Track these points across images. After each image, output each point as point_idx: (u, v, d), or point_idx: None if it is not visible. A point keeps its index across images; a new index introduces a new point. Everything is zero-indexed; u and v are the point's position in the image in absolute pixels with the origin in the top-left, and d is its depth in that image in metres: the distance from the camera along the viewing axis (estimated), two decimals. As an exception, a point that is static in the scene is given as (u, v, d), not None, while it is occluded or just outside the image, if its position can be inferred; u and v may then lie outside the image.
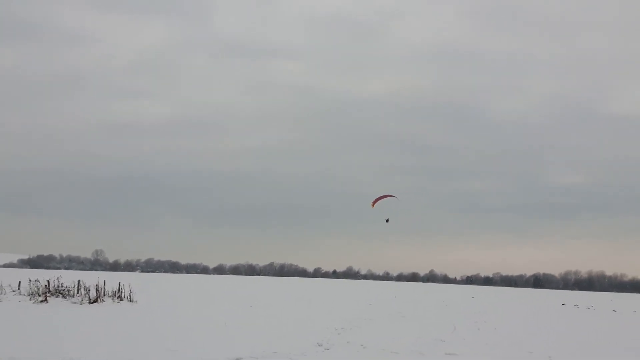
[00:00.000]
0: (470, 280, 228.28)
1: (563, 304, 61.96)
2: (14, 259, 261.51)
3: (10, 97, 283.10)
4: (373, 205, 42.13)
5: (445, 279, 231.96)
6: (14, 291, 39.98)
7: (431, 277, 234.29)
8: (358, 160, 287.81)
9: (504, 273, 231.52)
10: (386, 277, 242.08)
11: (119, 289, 39.53)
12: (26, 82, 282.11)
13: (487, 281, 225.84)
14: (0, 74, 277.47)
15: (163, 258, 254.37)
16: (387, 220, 43.65)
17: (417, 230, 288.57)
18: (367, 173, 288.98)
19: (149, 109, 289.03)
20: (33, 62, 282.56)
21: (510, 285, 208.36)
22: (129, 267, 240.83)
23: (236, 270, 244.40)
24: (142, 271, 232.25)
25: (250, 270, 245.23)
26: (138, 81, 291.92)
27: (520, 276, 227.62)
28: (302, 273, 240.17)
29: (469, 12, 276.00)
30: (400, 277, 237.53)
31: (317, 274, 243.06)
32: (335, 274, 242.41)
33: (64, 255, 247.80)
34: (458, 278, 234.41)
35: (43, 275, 47.06)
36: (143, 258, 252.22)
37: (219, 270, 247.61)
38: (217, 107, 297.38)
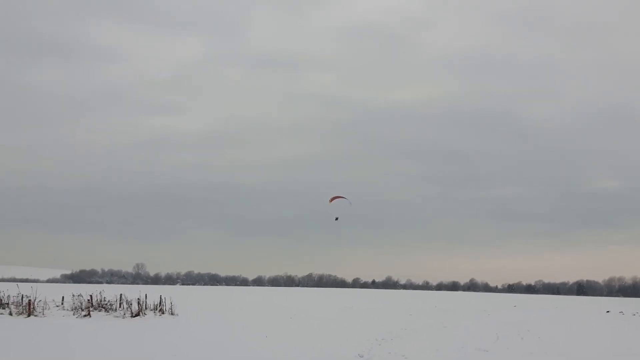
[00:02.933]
0: (512, 289, 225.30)
1: (608, 311, 60.72)
2: (57, 274, 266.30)
3: (49, 114, 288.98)
4: (330, 202, 43.21)
5: (486, 288, 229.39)
6: (57, 306, 40.63)
7: (472, 286, 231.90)
8: (391, 169, 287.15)
9: (546, 280, 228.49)
10: (426, 286, 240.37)
11: (160, 303, 39.91)
12: (65, 99, 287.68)
13: (529, 289, 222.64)
14: (41, 90, 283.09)
15: (203, 271, 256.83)
16: (336, 219, 44.64)
17: (455, 238, 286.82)
18: (400, 182, 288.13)
19: (184, 123, 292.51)
20: (71, 80, 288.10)
21: (553, 293, 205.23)
22: (170, 280, 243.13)
23: (275, 282, 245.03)
24: (183, 284, 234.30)
25: (289, 281, 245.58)
26: (173, 96, 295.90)
27: (563, 283, 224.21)
28: (340, 283, 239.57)
29: (498, 18, 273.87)
30: (440, 287, 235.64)
31: (356, 284, 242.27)
32: (374, 284, 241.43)
33: (106, 269, 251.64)
34: (499, 286, 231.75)
35: (86, 290, 47.79)
36: (183, 271, 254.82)
37: (258, 281, 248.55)
38: (250, 119, 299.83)
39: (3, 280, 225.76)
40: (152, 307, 39.47)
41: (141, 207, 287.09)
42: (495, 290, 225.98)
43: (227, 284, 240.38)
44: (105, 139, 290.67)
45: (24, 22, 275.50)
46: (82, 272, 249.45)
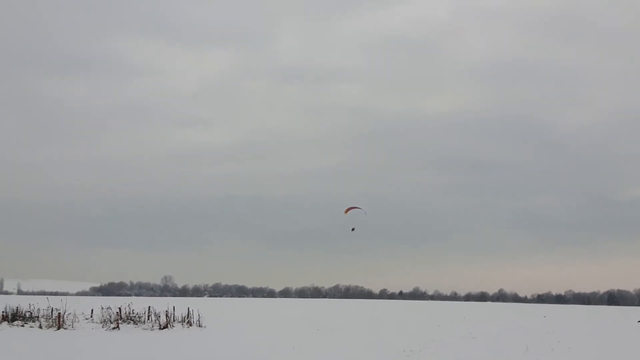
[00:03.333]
0: (541, 299, 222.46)
1: (639, 321, 59.70)
2: (87, 287, 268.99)
3: (78, 128, 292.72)
4: (346, 212, 43.34)
5: (516, 298, 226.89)
6: (86, 319, 40.94)
7: (501, 297, 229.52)
8: (419, 180, 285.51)
9: (577, 290, 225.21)
10: (454, 297, 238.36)
11: (188, 315, 40.05)
12: (93, 114, 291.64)
13: (559, 299, 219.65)
14: (70, 106, 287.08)
15: (230, 282, 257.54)
16: (352, 229, 44.64)
17: (484, 248, 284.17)
18: (428, 192, 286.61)
19: (211, 136, 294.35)
20: (99, 95, 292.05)
21: (584, 303, 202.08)
22: (197, 292, 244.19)
23: (302, 293, 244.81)
24: (210, 296, 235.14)
25: (316, 293, 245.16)
26: (200, 110, 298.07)
27: (594, 293, 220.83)
28: (367, 295, 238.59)
29: (527, 27, 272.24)
30: (468, 297, 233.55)
31: (383, 295, 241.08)
32: (401, 295, 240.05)
33: (134, 282, 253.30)
34: (529, 297, 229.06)
35: (114, 303, 48.07)
36: (210, 283, 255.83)
37: (285, 293, 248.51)
38: (277, 131, 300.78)
39: (33, 293, 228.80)
40: (180, 319, 39.63)
41: (169, 220, 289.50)
42: (524, 300, 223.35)
43: (254, 296, 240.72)
44: (133, 153, 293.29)
45: (53, 39, 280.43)
46: (111, 284, 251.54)
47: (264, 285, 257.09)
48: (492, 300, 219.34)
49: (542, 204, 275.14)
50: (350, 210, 43.73)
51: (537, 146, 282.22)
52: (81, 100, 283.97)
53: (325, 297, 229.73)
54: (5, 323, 36.82)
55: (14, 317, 37.71)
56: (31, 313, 38.32)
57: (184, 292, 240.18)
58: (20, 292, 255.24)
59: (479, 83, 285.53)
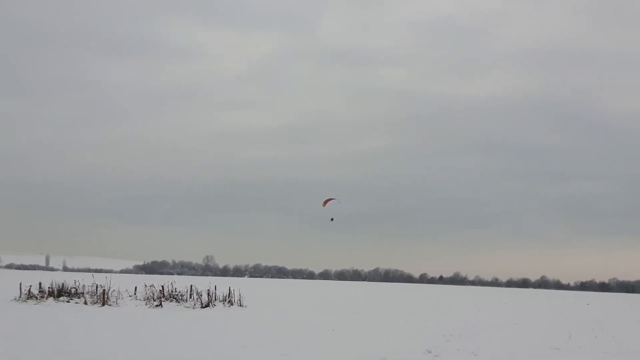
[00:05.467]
0: (584, 286, 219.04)
1: (687, 312, 58.47)
2: (130, 265, 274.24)
3: (125, 110, 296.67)
4: (324, 205, 43.74)
5: (558, 285, 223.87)
6: (130, 296, 41.66)
7: (543, 283, 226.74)
8: (464, 165, 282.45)
9: (621, 278, 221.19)
10: (495, 283, 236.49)
11: (229, 294, 40.47)
12: (140, 96, 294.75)
13: (603, 287, 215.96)
14: (117, 88, 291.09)
15: (270, 263, 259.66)
16: (331, 219, 45.86)
17: (527, 234, 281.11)
18: (474, 177, 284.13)
19: (255, 118, 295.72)
20: (148, 77, 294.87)
21: (628, 291, 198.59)
22: (238, 272, 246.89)
23: (341, 276, 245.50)
24: (250, 276, 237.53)
25: (356, 275, 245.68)
26: (246, 92, 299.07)
27: (639, 281, 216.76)
28: (407, 279, 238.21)
29: (578, 9, 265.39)
30: (510, 283, 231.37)
31: (423, 279, 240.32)
32: (441, 280, 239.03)
33: (177, 261, 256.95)
34: (572, 284, 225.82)
35: (157, 281, 48.88)
36: (251, 263, 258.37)
37: (325, 275, 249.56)
38: (322, 114, 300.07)
39: (78, 270, 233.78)
40: (221, 298, 40.08)
41: (212, 201, 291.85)
42: (567, 288, 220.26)
43: (293, 277, 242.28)
44: (178, 133, 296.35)
45: (102, 21, 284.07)
46: (154, 263, 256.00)
47: (303, 267, 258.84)
48: (534, 287, 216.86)
49: (587, 190, 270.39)
50: (329, 202, 44.26)
51: (584, 132, 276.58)
52: (129, 82, 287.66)
53: (364, 280, 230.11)
54: (51, 299, 37.64)
55: (59, 293, 38.51)
56: (76, 289, 39.09)
57: (224, 272, 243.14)
58: (65, 269, 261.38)
59: (527, 67, 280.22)
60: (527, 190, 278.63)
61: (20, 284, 40.38)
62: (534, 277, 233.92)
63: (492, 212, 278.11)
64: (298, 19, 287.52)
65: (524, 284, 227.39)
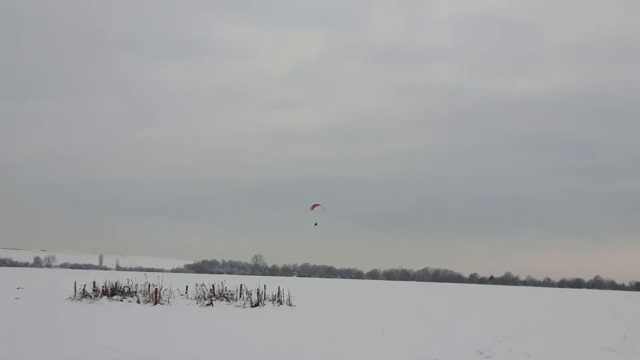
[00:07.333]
0: None
1: None
2: (181, 264, 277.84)
3: (175, 110, 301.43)
4: (312, 209, 44.03)
5: (613, 285, 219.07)
6: (181, 295, 42.25)
7: (597, 283, 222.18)
8: (513, 162, 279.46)
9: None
10: (547, 283, 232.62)
11: (278, 294, 40.72)
12: (191, 96, 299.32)
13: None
14: (167, 88, 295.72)
15: (318, 263, 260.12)
16: (315, 224, 46.04)
17: (580, 233, 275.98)
18: (523, 175, 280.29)
19: (304, 117, 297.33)
20: (197, 77, 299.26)
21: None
22: (287, 271, 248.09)
23: (390, 275, 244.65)
24: (299, 276, 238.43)
25: (404, 275, 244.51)
26: (294, 91, 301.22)
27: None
28: (457, 279, 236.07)
29: (633, 2, 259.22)
30: (562, 284, 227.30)
31: (474, 279, 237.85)
32: (492, 280, 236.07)
33: (226, 260, 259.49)
34: (626, 284, 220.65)
35: (208, 280, 49.44)
36: (299, 263, 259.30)
37: (373, 275, 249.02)
38: (370, 112, 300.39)
39: (130, 269, 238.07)
40: (270, 297, 40.35)
41: (260, 200, 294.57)
42: (622, 288, 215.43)
43: (342, 277, 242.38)
44: (228, 133, 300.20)
45: (153, 22, 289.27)
46: (204, 262, 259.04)
47: (352, 267, 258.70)
48: (588, 287, 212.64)
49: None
50: (315, 207, 44.78)
51: (638, 127, 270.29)
52: (178, 82, 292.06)
53: (413, 280, 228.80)
54: (105, 297, 38.39)
55: (113, 291, 39.25)
56: (129, 288, 39.79)
57: (273, 271, 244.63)
58: (118, 268, 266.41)
59: (578, 62, 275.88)
60: (580, 187, 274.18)
61: (75, 283, 41.33)
62: (587, 277, 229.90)
63: (544, 210, 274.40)
64: (346, 17, 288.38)
65: (577, 284, 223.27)
